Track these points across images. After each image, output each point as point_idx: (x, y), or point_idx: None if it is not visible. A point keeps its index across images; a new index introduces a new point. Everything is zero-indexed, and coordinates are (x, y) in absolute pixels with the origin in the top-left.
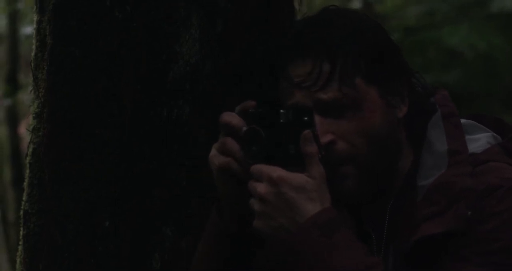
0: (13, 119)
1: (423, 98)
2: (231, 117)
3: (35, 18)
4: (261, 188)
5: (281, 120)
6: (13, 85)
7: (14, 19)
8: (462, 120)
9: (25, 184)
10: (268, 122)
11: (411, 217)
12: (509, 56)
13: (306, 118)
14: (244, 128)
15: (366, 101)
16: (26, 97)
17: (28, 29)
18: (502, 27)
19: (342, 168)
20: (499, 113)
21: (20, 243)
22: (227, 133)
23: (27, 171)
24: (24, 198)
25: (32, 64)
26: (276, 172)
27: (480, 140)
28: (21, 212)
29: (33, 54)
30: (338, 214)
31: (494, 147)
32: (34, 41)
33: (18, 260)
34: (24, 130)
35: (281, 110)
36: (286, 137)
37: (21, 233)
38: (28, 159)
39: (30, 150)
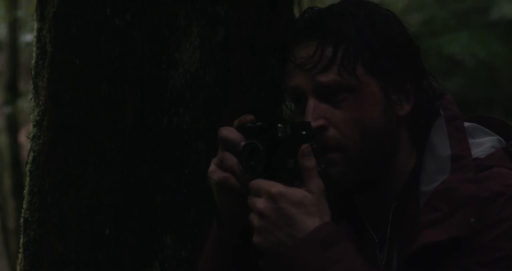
0: (13, 127)
1: (431, 100)
2: (229, 132)
3: (35, 26)
4: (260, 203)
5: (279, 135)
6: (13, 93)
7: (14, 26)
8: (466, 124)
9: (25, 191)
10: (266, 136)
11: (414, 222)
12: (510, 63)
13: (304, 132)
14: (242, 143)
15: (365, 92)
16: (26, 105)
17: (28, 37)
18: (502, 35)
19: (329, 154)
20: None
21: (21, 250)
22: (225, 148)
23: (27, 178)
24: (24, 206)
25: (32, 72)
26: (275, 187)
27: (484, 144)
28: (21, 220)
29: (33, 62)
30: (337, 228)
31: (498, 152)
32: (34, 49)
33: (18, 268)
34: (24, 138)
35: (279, 125)
36: (284, 151)
37: (21, 240)
38: (28, 166)
39: (31, 157)
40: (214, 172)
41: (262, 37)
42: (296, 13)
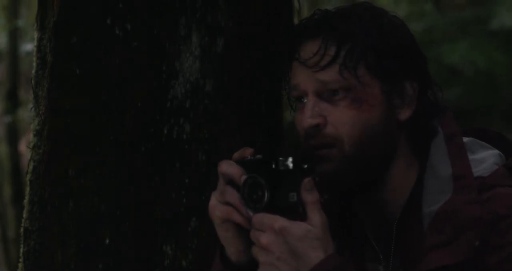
0: (13, 136)
1: (433, 109)
2: (229, 166)
3: (35, 35)
4: (263, 238)
5: (281, 168)
6: (13, 102)
7: (15, 36)
8: (465, 139)
9: (25, 201)
10: (268, 170)
11: (418, 244)
12: (510, 72)
13: (306, 166)
14: (244, 177)
15: (366, 93)
16: (26, 114)
17: (28, 46)
18: (503, 44)
19: (324, 150)
20: (500, 130)
21: (21, 260)
22: (226, 182)
23: (28, 188)
24: (24, 215)
25: (32, 81)
26: (278, 221)
27: (485, 161)
28: (21, 229)
29: (33, 71)
30: (342, 259)
31: (500, 169)
32: (34, 58)
33: None
34: (24, 147)
35: (280, 158)
36: (286, 184)
37: (21, 250)
38: (28, 176)
39: (31, 167)
40: (216, 206)
41: (262, 46)
42: (296, 21)
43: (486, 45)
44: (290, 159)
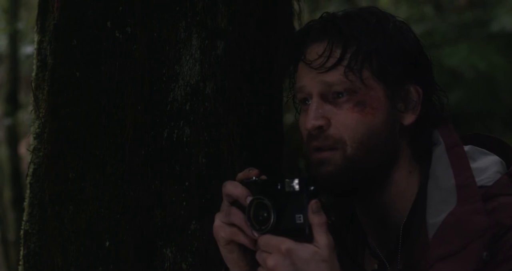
0: (13, 139)
1: (437, 115)
2: (235, 187)
3: (35, 38)
4: (270, 260)
5: (287, 190)
6: (13, 105)
7: (15, 38)
8: (465, 147)
9: (26, 204)
10: (273, 191)
11: (420, 253)
12: (510, 76)
13: (312, 188)
14: (249, 198)
15: (370, 96)
16: (26, 117)
17: (28, 49)
18: (503, 47)
19: (325, 152)
20: (500, 134)
21: (21, 263)
22: (231, 203)
23: (28, 191)
24: (24, 218)
25: (32, 84)
26: (285, 243)
27: (488, 169)
28: (22, 232)
29: (33, 74)
30: None
31: (503, 178)
32: (34, 61)
33: None
34: (25, 150)
35: (286, 180)
36: (292, 206)
37: (21, 253)
38: (28, 179)
39: (31, 170)
40: (220, 227)
41: (262, 48)
42: (296, 26)
43: (486, 48)
44: (296, 181)
